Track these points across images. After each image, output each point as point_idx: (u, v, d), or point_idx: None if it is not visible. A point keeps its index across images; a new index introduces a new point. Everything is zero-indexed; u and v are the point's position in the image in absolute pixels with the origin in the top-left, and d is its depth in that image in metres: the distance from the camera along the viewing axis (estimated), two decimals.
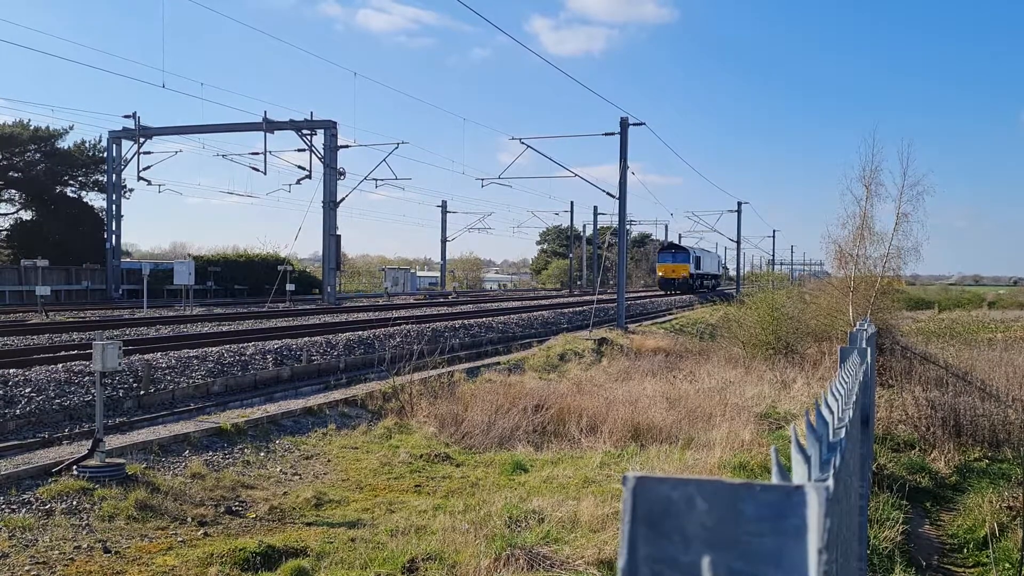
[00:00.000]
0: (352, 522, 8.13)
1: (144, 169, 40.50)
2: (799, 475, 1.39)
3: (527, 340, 24.15)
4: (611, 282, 56.03)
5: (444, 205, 65.82)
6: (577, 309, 34.75)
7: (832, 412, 2.09)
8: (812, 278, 64.20)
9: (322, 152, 38.57)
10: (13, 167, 43.74)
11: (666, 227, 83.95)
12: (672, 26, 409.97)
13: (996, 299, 61.56)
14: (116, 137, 41.39)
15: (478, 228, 67.40)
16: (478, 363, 18.48)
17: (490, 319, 26.99)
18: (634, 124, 28.94)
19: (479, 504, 8.29)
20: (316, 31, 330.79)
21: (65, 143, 44.72)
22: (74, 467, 8.63)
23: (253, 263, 45.99)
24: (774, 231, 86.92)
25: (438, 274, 71.76)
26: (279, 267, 37.52)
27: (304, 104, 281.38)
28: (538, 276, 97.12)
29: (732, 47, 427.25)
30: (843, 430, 1.98)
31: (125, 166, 41.82)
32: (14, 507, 7.77)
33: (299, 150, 38.94)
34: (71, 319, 25.03)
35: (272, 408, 12.74)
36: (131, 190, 44.95)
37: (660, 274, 62.31)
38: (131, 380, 13.16)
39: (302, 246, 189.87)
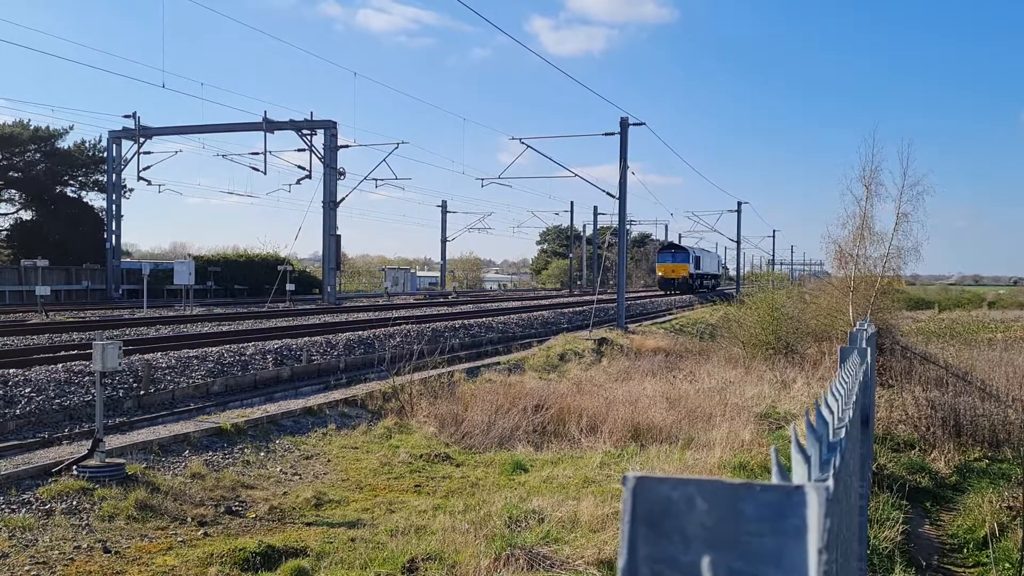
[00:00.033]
0: (352, 522, 8.13)
1: (144, 169, 40.55)
2: (799, 475, 1.39)
3: (527, 340, 24.16)
4: (611, 282, 56.04)
5: (444, 205, 65.87)
6: (577, 309, 34.75)
7: (832, 412, 2.09)
8: (812, 278, 64.21)
9: (322, 152, 38.58)
10: (13, 167, 43.74)
11: (666, 227, 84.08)
12: (672, 26, 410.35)
13: (996, 299, 61.56)
14: (116, 137, 41.39)
15: (478, 228, 67.50)
16: (478, 363, 18.48)
17: (490, 319, 26.99)
18: (634, 124, 28.95)
19: (479, 504, 8.29)
20: (316, 31, 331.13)
21: (65, 143, 44.80)
22: (74, 467, 8.63)
23: (253, 263, 46.00)
24: (774, 231, 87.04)
25: (438, 274, 71.76)
26: (279, 267, 37.53)
27: (304, 104, 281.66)
28: (538, 276, 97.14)
29: (732, 47, 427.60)
30: (843, 430, 1.98)
31: (125, 166, 41.83)
32: (14, 507, 7.77)
33: (299, 150, 38.98)
34: (71, 319, 25.03)
35: (272, 408, 12.74)
36: (131, 190, 45.02)
37: (660, 274, 62.30)
38: (131, 380, 13.16)
39: (302, 246, 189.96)
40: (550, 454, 10.97)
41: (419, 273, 76.09)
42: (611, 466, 10.05)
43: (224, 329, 21.86)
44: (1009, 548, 8.42)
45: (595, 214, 72.46)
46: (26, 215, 45.56)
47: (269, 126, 38.24)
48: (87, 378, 12.60)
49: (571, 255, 79.84)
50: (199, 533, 7.69)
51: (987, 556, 8.38)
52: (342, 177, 39.00)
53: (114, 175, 41.74)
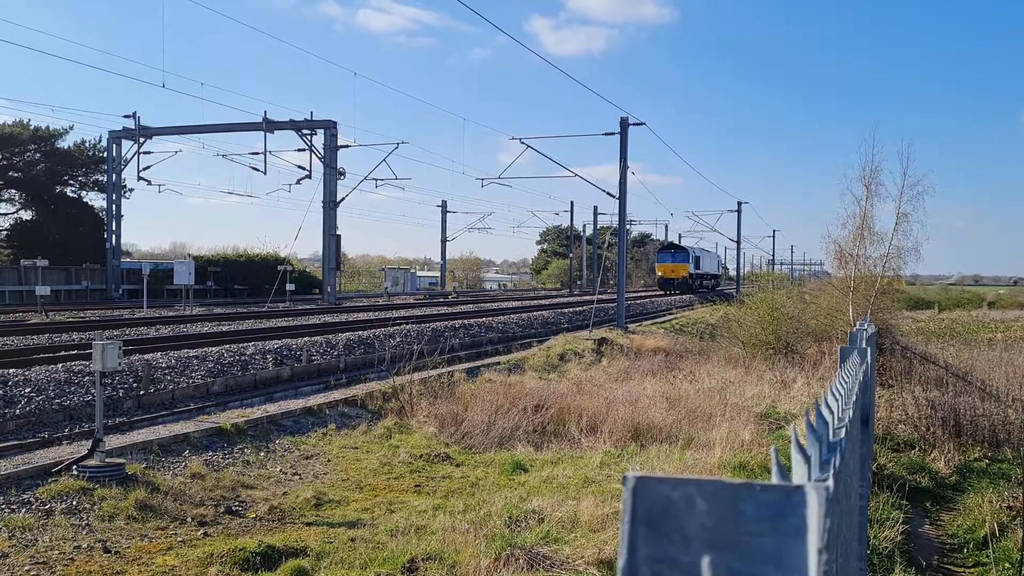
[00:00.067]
0: (352, 522, 8.13)
1: (144, 169, 40.56)
2: (799, 475, 1.39)
3: (527, 340, 24.16)
4: (611, 282, 56.04)
5: (444, 205, 65.87)
6: (577, 309, 34.75)
7: (832, 412, 2.09)
8: (812, 278, 64.21)
9: (322, 152, 38.58)
10: (13, 167, 43.75)
11: (666, 227, 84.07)
12: (672, 26, 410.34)
13: (996, 299, 61.56)
14: (116, 137, 41.40)
15: (478, 228, 67.50)
16: (478, 363, 18.48)
17: (490, 319, 27.00)
18: (634, 124, 28.95)
19: (479, 504, 8.29)
20: (316, 31, 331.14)
21: (65, 143, 44.81)
22: (74, 467, 8.63)
23: (253, 263, 46.00)
24: (774, 231, 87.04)
25: (438, 274, 71.76)
26: (279, 267, 37.53)
27: (304, 104, 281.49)
28: (538, 276, 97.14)
29: (732, 47, 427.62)
30: (843, 430, 1.97)
31: (125, 166, 41.84)
32: (14, 507, 7.76)
33: (299, 150, 38.98)
34: (71, 319, 25.03)
35: (272, 408, 12.74)
36: (131, 190, 45.02)
37: (659, 274, 62.29)
38: (131, 380, 13.16)
39: (302, 246, 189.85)
40: (550, 454, 10.97)
41: (419, 273, 76.08)
42: (611, 466, 10.05)
43: (224, 329, 21.86)
44: (1009, 548, 8.42)
45: (595, 214, 72.53)
46: (26, 215, 45.61)
47: (269, 126, 38.24)
48: (87, 378, 12.60)
49: (571, 255, 79.84)
50: (199, 533, 7.68)
51: (987, 556, 8.38)
52: (342, 177, 39.00)
53: (114, 175, 41.74)
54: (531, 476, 9.79)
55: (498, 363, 18.45)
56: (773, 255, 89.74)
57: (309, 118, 38.73)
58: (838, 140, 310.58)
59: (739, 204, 64.58)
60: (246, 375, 15.18)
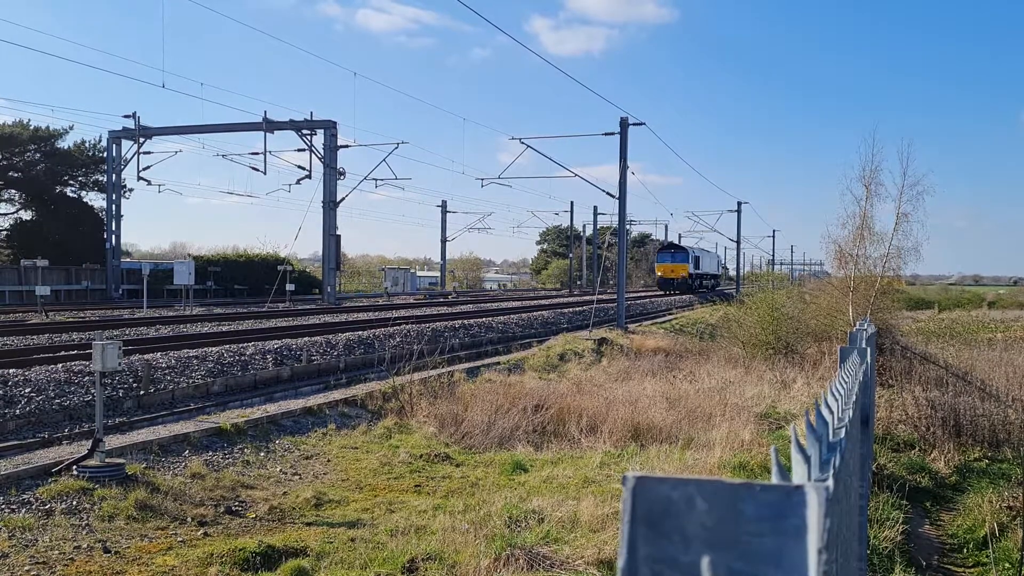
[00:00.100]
0: (352, 522, 8.13)
1: (144, 169, 40.55)
2: (799, 475, 1.39)
3: (527, 340, 24.15)
4: (611, 282, 56.05)
5: (444, 205, 65.87)
6: (577, 309, 34.75)
7: (832, 412, 2.09)
8: (812, 278, 64.21)
9: (322, 152, 38.58)
10: (13, 167, 43.74)
11: (666, 227, 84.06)
12: (672, 26, 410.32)
13: (996, 299, 61.56)
14: (116, 137, 41.40)
15: (478, 228, 67.48)
16: (478, 363, 18.48)
17: (490, 319, 26.99)
18: (634, 124, 28.95)
19: (479, 504, 8.29)
20: (316, 31, 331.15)
21: (65, 143, 44.81)
22: (74, 467, 8.63)
23: (253, 263, 46.00)
24: (774, 231, 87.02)
25: (438, 274, 71.76)
26: (279, 267, 37.53)
27: (304, 104, 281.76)
28: (538, 276, 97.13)
29: (732, 47, 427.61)
30: (843, 430, 1.98)
31: (125, 166, 41.84)
32: (14, 507, 7.76)
33: (299, 150, 38.98)
34: (71, 319, 25.03)
35: (272, 408, 12.74)
36: (131, 190, 45.01)
37: (659, 274, 62.28)
38: (131, 380, 13.16)
39: (302, 246, 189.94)
40: (550, 454, 10.97)
41: (419, 273, 76.09)
42: (611, 466, 10.05)
43: (224, 329, 21.86)
44: (1009, 548, 8.42)
45: (595, 214, 72.50)
46: (26, 215, 45.61)
47: (269, 126, 38.24)
48: (87, 378, 12.60)
49: (571, 255, 79.84)
50: (199, 533, 7.69)
51: (987, 556, 8.38)
52: (342, 177, 39.00)
53: (114, 175, 41.74)
54: (531, 476, 9.79)
55: (498, 363, 18.45)
56: (773, 255, 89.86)
57: (309, 118, 38.73)
58: (838, 140, 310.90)
59: (739, 204, 64.63)
60: (246, 375, 15.18)
